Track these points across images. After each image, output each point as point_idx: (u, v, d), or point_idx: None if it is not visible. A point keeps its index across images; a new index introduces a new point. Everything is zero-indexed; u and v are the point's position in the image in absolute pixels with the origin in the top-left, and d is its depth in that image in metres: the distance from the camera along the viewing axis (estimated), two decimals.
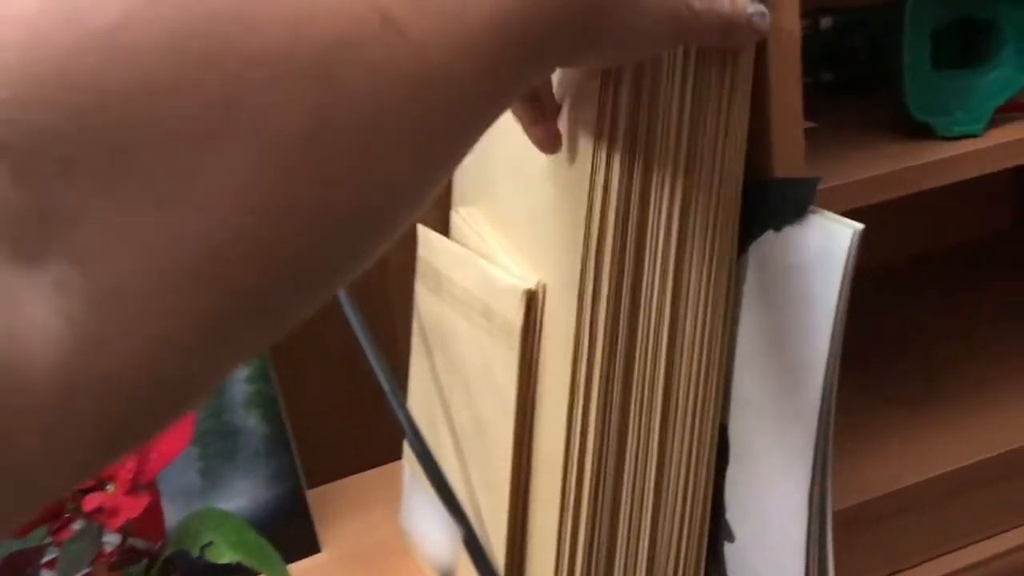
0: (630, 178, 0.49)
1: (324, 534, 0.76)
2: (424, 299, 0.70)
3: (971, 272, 0.93)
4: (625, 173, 0.48)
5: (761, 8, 0.43)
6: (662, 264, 0.50)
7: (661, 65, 0.47)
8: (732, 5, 0.41)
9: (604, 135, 0.48)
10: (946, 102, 0.61)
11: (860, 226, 0.45)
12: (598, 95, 0.47)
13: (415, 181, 0.28)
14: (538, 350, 0.56)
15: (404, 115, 0.26)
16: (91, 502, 0.57)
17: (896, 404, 0.72)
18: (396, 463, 0.84)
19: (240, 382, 0.72)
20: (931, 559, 0.66)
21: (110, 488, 0.60)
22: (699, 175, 0.49)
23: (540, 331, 0.56)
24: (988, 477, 0.65)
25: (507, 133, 0.62)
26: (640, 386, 0.53)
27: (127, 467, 0.58)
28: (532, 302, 0.55)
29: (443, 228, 0.79)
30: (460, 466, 0.65)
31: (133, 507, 0.57)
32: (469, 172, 0.72)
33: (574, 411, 0.52)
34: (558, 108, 0.50)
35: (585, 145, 0.49)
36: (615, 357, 0.51)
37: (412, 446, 0.63)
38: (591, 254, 0.50)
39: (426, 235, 0.69)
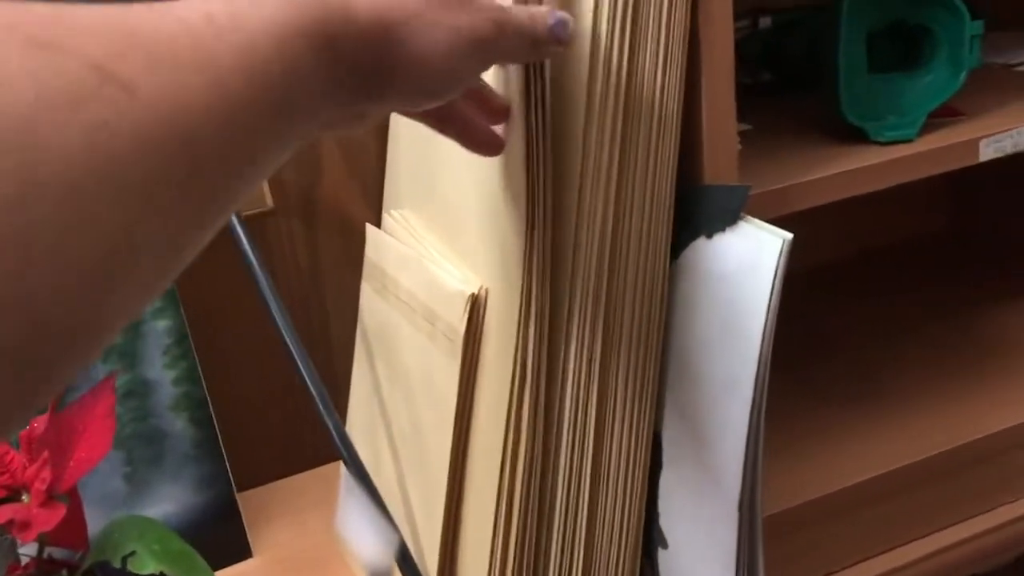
0: (562, 184, 0.48)
1: (255, 539, 0.75)
2: (369, 300, 0.69)
3: (906, 273, 0.94)
4: (556, 178, 0.47)
5: (562, 17, 0.42)
6: (596, 269, 0.50)
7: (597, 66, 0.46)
8: (531, 19, 0.40)
9: (536, 141, 0.47)
10: (880, 106, 0.61)
11: (789, 236, 0.45)
12: (525, 98, 0.46)
13: (161, 234, 0.27)
14: (478, 356, 0.55)
15: (133, 170, 0.25)
16: (2, 514, 0.55)
17: (830, 405, 0.73)
18: (332, 464, 0.83)
19: (167, 384, 0.70)
20: (865, 559, 0.66)
21: (25, 499, 0.58)
22: (632, 179, 0.49)
23: (480, 336, 0.55)
24: (919, 479, 0.65)
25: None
26: (576, 389, 0.52)
27: (41, 477, 0.56)
28: (475, 307, 0.54)
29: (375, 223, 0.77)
30: (397, 472, 0.64)
31: (48, 519, 0.55)
32: (405, 174, 0.71)
33: (510, 416, 0.52)
34: (504, 109, 0.48)
35: (519, 150, 0.48)
36: (550, 360, 0.51)
37: (341, 453, 0.61)
38: (532, 261, 0.49)
39: (375, 235, 0.68)
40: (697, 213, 0.50)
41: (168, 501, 0.71)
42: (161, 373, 0.70)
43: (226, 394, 0.77)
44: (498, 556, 0.54)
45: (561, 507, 0.54)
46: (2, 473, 0.57)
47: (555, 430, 0.52)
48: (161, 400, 0.70)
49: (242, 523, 0.74)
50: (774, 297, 0.45)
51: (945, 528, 0.68)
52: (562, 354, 0.51)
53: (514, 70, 0.47)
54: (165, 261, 0.27)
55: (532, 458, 0.52)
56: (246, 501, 0.75)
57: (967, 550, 0.68)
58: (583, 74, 0.47)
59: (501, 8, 0.39)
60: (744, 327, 0.47)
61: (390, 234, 0.68)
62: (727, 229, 0.48)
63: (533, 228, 0.48)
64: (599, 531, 0.56)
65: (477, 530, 0.56)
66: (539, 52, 0.43)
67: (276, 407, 0.81)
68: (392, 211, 0.70)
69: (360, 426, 0.71)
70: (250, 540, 0.74)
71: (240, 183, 0.29)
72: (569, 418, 0.52)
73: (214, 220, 0.29)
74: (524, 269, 0.50)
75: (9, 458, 0.58)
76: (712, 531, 0.52)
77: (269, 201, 0.76)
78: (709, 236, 0.50)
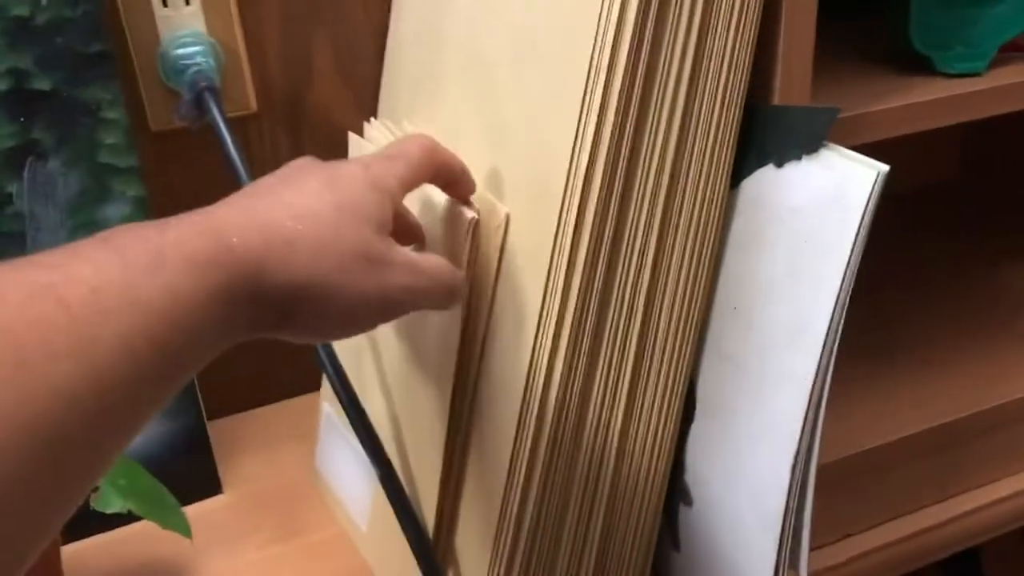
0: (630, 89, 0.41)
1: (226, 473, 0.68)
2: None
3: (923, 219, 0.90)
4: (625, 84, 0.41)
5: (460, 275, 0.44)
6: (653, 189, 0.44)
7: None
8: (441, 280, 0.42)
9: (605, 45, 0.40)
10: (949, 35, 0.56)
11: (885, 168, 0.39)
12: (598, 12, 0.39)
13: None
14: (496, 284, 0.49)
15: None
16: None
17: (847, 357, 0.68)
18: (306, 396, 0.76)
19: None
20: (880, 524, 0.62)
21: None
22: (701, 93, 0.43)
23: (501, 263, 0.48)
24: (934, 444, 0.62)
25: (464, 42, 0.54)
26: (615, 322, 0.46)
27: None
28: (477, 231, 0.48)
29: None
30: (387, 410, 0.58)
31: None
32: (405, 84, 0.63)
33: (539, 343, 0.46)
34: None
35: (580, 57, 0.42)
36: (592, 288, 0.45)
37: (332, 383, 0.55)
38: (579, 173, 0.42)
39: (359, 146, 0.60)
40: (766, 137, 0.44)
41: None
42: None
43: None
44: (513, 505, 0.49)
45: (585, 457, 0.49)
46: None
47: (590, 363, 0.47)
48: None
49: (212, 456, 0.67)
50: (860, 237, 0.40)
51: (961, 494, 0.65)
52: (605, 282, 0.45)
53: None
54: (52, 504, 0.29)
55: (565, 394, 0.47)
56: (216, 431, 0.69)
57: (968, 524, 0.65)
58: None
59: (415, 271, 0.39)
60: (820, 268, 0.41)
61: (372, 144, 0.61)
62: (804, 157, 0.42)
63: (583, 152, 0.42)
64: (624, 485, 0.51)
65: (487, 476, 0.51)
66: (445, 307, 0.45)
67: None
68: (386, 122, 0.63)
69: (344, 361, 0.65)
70: (220, 474, 0.68)
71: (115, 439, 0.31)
72: (605, 355, 0.47)
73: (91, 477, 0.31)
74: (564, 199, 0.44)
75: None
76: (756, 493, 0.47)
77: (253, 104, 0.68)
78: (779, 165, 0.44)
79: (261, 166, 0.67)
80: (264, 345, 0.74)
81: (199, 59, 0.62)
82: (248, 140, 0.69)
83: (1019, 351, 0.68)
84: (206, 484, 0.67)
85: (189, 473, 0.66)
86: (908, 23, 0.55)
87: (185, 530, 0.56)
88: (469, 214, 0.48)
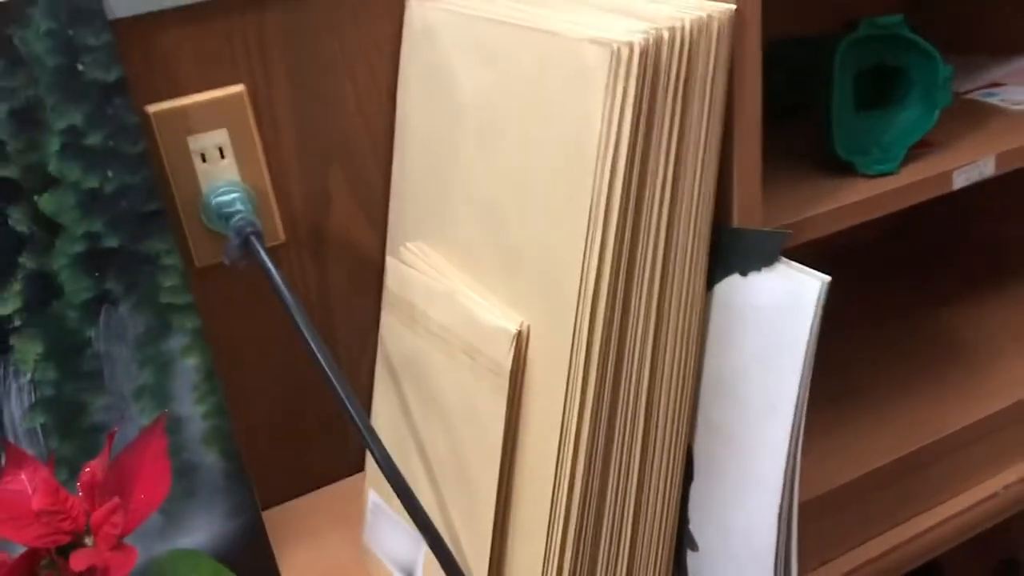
0: (622, 226, 0.52)
1: (283, 559, 0.77)
2: (394, 331, 0.72)
3: (868, 274, 1.02)
4: (617, 221, 0.52)
5: None
6: (646, 304, 0.55)
7: (651, 135, 0.51)
8: None
9: (601, 193, 0.51)
10: (866, 141, 0.68)
11: (827, 279, 0.51)
12: (594, 163, 0.51)
13: None
14: (521, 389, 0.60)
15: None
16: (79, 561, 0.56)
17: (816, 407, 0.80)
18: (345, 481, 0.86)
19: (198, 419, 0.72)
20: (852, 549, 0.74)
21: (88, 542, 0.59)
22: (681, 221, 0.54)
23: (524, 369, 0.59)
24: (899, 472, 0.73)
25: (469, 176, 0.64)
26: (624, 415, 0.57)
27: (112, 522, 0.58)
28: (519, 343, 0.58)
29: (380, 256, 0.81)
30: (434, 493, 0.68)
31: (124, 564, 0.57)
32: (416, 207, 0.74)
33: (564, 438, 0.56)
34: None
35: (578, 197, 0.53)
36: (603, 387, 0.56)
37: (381, 466, 0.64)
38: (586, 296, 0.53)
39: (396, 267, 0.71)
40: (732, 253, 0.56)
41: (200, 531, 0.73)
42: (192, 409, 0.71)
43: (245, 421, 0.79)
44: (553, 562, 0.59)
45: (609, 519, 0.59)
46: (64, 519, 0.59)
47: (606, 448, 0.57)
48: (192, 435, 0.72)
49: (270, 548, 0.76)
50: (813, 335, 0.51)
51: (915, 516, 0.76)
52: (614, 380, 0.56)
53: (584, 138, 0.52)
54: None
55: (588, 480, 0.57)
56: (269, 520, 0.78)
57: (929, 539, 0.76)
58: (639, 137, 0.51)
59: None
60: (782, 361, 0.53)
61: (409, 266, 0.71)
62: (763, 269, 0.54)
63: (589, 272, 0.53)
64: (641, 538, 0.61)
65: (527, 545, 0.61)
66: None
67: (289, 430, 0.84)
68: (407, 243, 0.74)
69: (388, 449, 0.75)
70: (278, 562, 0.77)
71: None
72: (618, 441, 0.58)
73: None
74: (578, 309, 0.54)
75: (69, 504, 0.59)
76: (748, 537, 0.58)
77: (281, 235, 0.78)
78: (744, 274, 0.55)
79: (294, 286, 0.79)
80: (304, 436, 0.85)
81: (238, 204, 0.72)
82: (279, 266, 0.78)
83: (955, 388, 0.80)
84: (267, 572, 0.76)
85: (250, 565, 0.74)
86: (831, 134, 0.67)
87: None
88: (512, 328, 0.58)
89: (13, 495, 0.58)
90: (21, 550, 0.58)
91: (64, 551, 0.59)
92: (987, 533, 0.84)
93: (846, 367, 0.85)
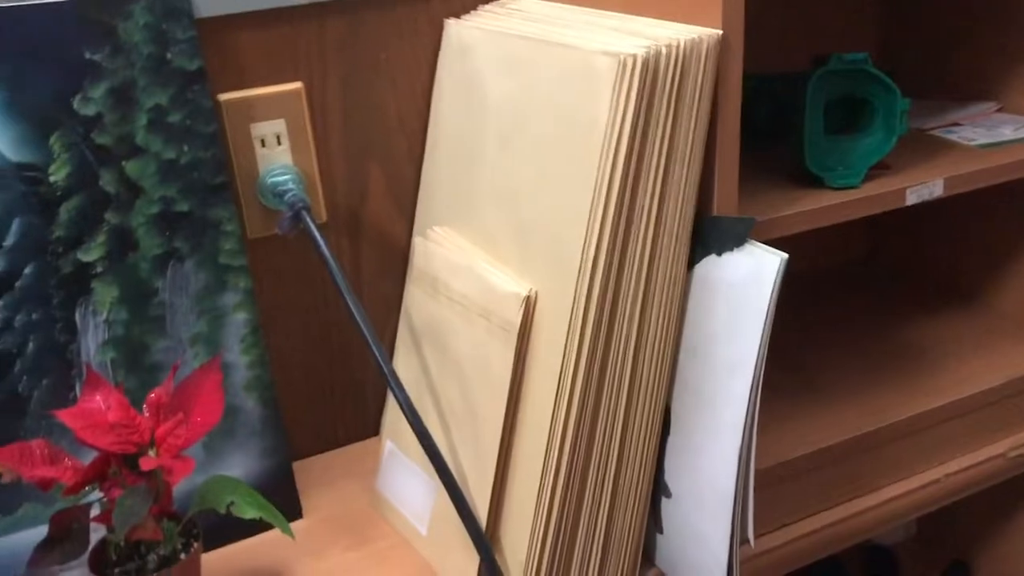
0: (619, 209, 0.63)
1: (306, 502, 0.87)
2: (418, 301, 0.83)
3: (832, 291, 1.14)
4: (615, 205, 0.63)
5: None
6: (636, 277, 0.66)
7: (647, 133, 0.62)
8: None
9: (603, 179, 0.62)
10: (833, 160, 0.79)
11: (785, 256, 0.61)
12: (599, 153, 0.62)
13: None
14: (527, 345, 0.70)
15: None
16: (148, 463, 0.67)
17: (774, 392, 0.90)
18: (363, 442, 0.96)
19: (242, 368, 0.82)
20: (807, 516, 0.84)
21: (152, 454, 0.69)
22: (669, 208, 0.65)
23: (530, 329, 0.70)
24: (843, 454, 0.84)
25: (491, 170, 0.76)
26: (613, 372, 0.67)
27: (176, 434, 0.68)
28: (528, 305, 0.69)
29: (406, 242, 0.92)
30: (446, 438, 0.78)
31: (183, 469, 0.67)
32: (442, 197, 0.85)
33: (560, 391, 0.67)
34: None
35: (584, 183, 0.64)
36: (596, 346, 0.66)
37: (403, 407, 0.74)
38: (586, 267, 0.64)
39: (424, 246, 0.82)
40: (710, 236, 0.67)
41: (235, 468, 0.83)
42: (238, 358, 0.82)
43: (279, 378, 0.89)
44: (545, 503, 0.69)
45: (595, 464, 0.70)
46: (133, 432, 0.69)
47: (595, 401, 0.68)
48: (237, 381, 0.82)
49: (296, 489, 0.86)
50: (772, 301, 0.62)
51: (864, 495, 0.86)
52: (605, 343, 0.67)
53: (591, 133, 0.63)
54: None
55: (579, 426, 0.67)
56: (296, 469, 0.88)
57: (876, 516, 0.86)
58: (638, 133, 0.63)
59: None
60: (747, 324, 0.63)
61: (436, 245, 0.82)
62: (735, 249, 0.65)
63: (589, 247, 0.64)
64: (622, 484, 0.71)
65: (524, 483, 0.71)
66: None
67: (317, 391, 0.94)
68: (434, 227, 0.85)
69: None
70: (302, 503, 0.87)
71: None
72: (607, 394, 0.68)
73: None
74: (578, 278, 0.65)
75: (138, 421, 0.69)
76: (714, 481, 0.68)
77: (324, 216, 0.89)
78: (719, 254, 0.66)
79: None
80: (329, 398, 0.97)
81: (291, 184, 0.84)
82: None
83: (905, 385, 0.91)
84: (291, 509, 0.86)
85: (278, 502, 0.84)
86: (804, 153, 0.78)
87: (291, 533, 0.75)
88: (522, 292, 0.69)
89: (92, 409, 0.69)
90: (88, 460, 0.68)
91: (130, 460, 0.69)
92: (938, 534, 0.94)
93: (808, 364, 0.96)
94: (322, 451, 0.95)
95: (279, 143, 0.85)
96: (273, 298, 0.89)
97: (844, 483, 0.84)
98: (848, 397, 0.89)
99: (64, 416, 0.67)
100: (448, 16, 0.88)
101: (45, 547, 0.69)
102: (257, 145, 0.85)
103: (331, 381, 0.95)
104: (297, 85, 0.85)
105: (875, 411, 0.87)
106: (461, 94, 0.83)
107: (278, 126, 0.85)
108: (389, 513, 0.85)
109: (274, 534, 0.84)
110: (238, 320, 0.82)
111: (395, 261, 0.94)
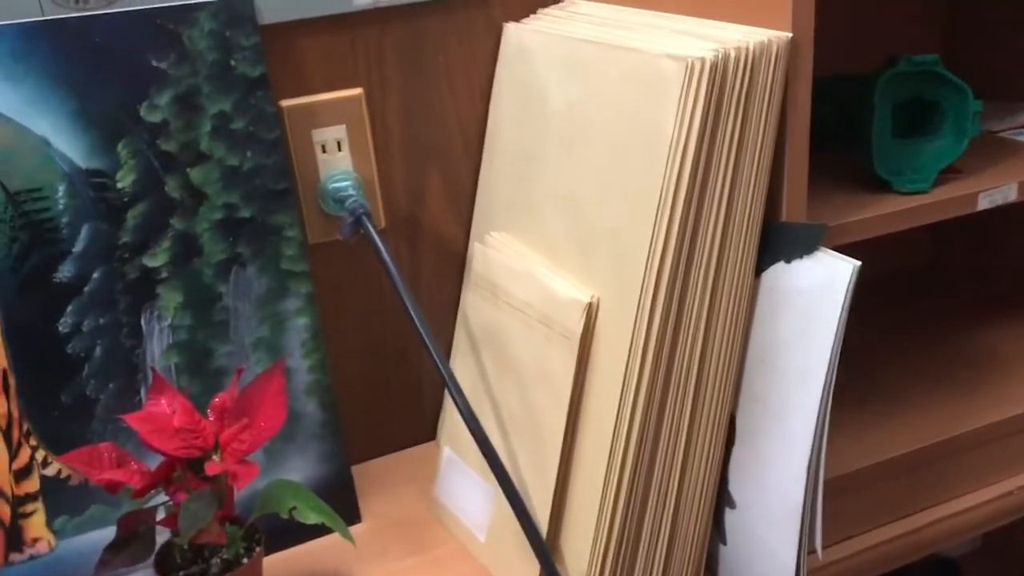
0: (686, 215, 0.63)
1: (364, 506, 0.88)
2: (477, 307, 0.83)
3: (897, 298, 1.11)
4: (682, 211, 0.62)
5: None
6: (703, 285, 0.65)
7: (715, 138, 0.61)
8: None
9: (670, 185, 0.62)
10: (902, 164, 0.77)
11: (858, 263, 0.60)
12: (665, 159, 0.61)
13: None
14: (589, 352, 0.69)
15: None
16: (213, 468, 0.67)
17: (841, 401, 0.88)
18: (420, 447, 0.96)
19: (303, 372, 0.82)
20: (875, 528, 0.82)
21: (216, 458, 0.70)
22: (737, 214, 0.64)
23: (592, 336, 0.69)
24: (919, 462, 0.82)
25: (553, 175, 0.75)
26: (678, 381, 0.67)
27: (240, 439, 0.69)
28: (590, 312, 0.68)
29: (463, 247, 0.92)
30: (504, 443, 0.78)
31: (248, 474, 0.67)
32: (499, 204, 0.85)
33: (623, 400, 0.66)
34: None
35: (650, 188, 0.63)
36: (660, 355, 0.65)
37: (463, 413, 0.73)
38: (651, 274, 0.63)
39: (483, 252, 0.81)
40: (779, 243, 0.65)
41: (296, 472, 0.84)
42: (299, 362, 0.82)
43: (337, 382, 0.90)
44: (607, 512, 0.68)
45: (658, 473, 0.69)
46: (197, 437, 0.70)
47: (659, 411, 0.67)
48: (297, 385, 0.83)
49: (355, 493, 0.87)
50: (844, 309, 0.61)
51: (933, 506, 0.84)
52: (670, 352, 0.66)
53: (657, 139, 0.62)
54: None
55: (643, 435, 0.67)
56: (354, 473, 0.88)
57: (942, 529, 0.84)
58: (706, 138, 0.62)
59: None
60: (818, 333, 0.62)
61: (495, 251, 0.82)
62: (804, 256, 0.63)
63: (655, 255, 0.63)
64: (686, 494, 0.70)
65: (586, 491, 0.70)
66: None
67: (373, 396, 0.94)
68: (492, 232, 0.84)
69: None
70: (360, 507, 0.87)
71: None
72: (671, 402, 0.67)
73: None
74: (643, 285, 0.64)
75: (202, 426, 0.70)
76: (781, 491, 0.67)
77: (383, 221, 0.89)
78: (788, 261, 0.65)
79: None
80: (386, 403, 0.97)
81: (351, 190, 0.84)
82: None
83: (976, 394, 0.89)
84: (350, 513, 0.86)
85: (336, 507, 0.84)
86: (872, 156, 0.77)
87: (352, 538, 0.75)
88: (584, 299, 0.68)
89: (158, 414, 0.70)
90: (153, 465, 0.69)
91: (194, 464, 0.70)
92: (1005, 545, 0.91)
93: (872, 372, 0.94)
94: (378, 455, 0.95)
95: (339, 149, 0.86)
96: (331, 303, 0.89)
97: (912, 494, 0.82)
98: (915, 406, 0.87)
99: (131, 420, 0.68)
100: (507, 20, 0.87)
101: (113, 549, 0.70)
102: (318, 151, 0.85)
103: (388, 386, 0.95)
104: (357, 91, 0.85)
105: (943, 421, 0.84)
106: (520, 97, 0.83)
107: (339, 132, 0.85)
108: (447, 519, 0.85)
109: (333, 539, 0.84)
110: (299, 325, 0.82)
111: (453, 266, 0.94)
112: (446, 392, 0.97)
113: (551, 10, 0.87)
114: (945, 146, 0.78)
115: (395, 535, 0.85)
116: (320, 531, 0.83)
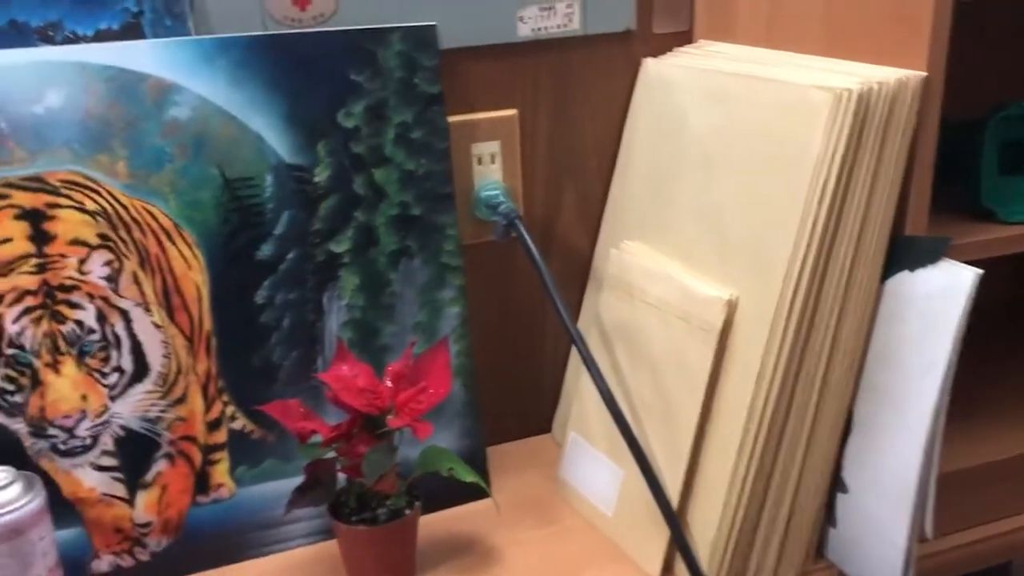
0: (826, 229, 0.72)
1: (493, 484, 0.97)
2: (611, 305, 0.92)
3: (995, 320, 1.19)
4: (823, 226, 0.72)
5: None
6: (836, 290, 0.74)
7: (856, 161, 0.71)
8: None
9: (812, 203, 0.71)
10: (1008, 197, 0.86)
11: (980, 271, 0.69)
12: (809, 179, 0.71)
13: None
14: (725, 346, 0.79)
15: None
16: (396, 423, 0.77)
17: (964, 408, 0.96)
18: (536, 438, 1.06)
19: (452, 355, 0.92)
20: (985, 523, 0.89)
21: (391, 416, 0.80)
22: (870, 229, 0.73)
23: (730, 332, 0.78)
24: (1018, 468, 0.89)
25: (693, 191, 0.85)
26: (808, 375, 0.75)
27: (417, 399, 0.79)
28: (729, 308, 0.78)
29: (587, 257, 1.02)
30: (637, 427, 0.87)
31: (424, 431, 0.77)
32: (632, 214, 0.95)
33: (758, 390, 0.75)
34: None
35: (793, 205, 0.73)
36: (795, 353, 0.74)
37: (602, 392, 0.82)
38: (790, 279, 0.73)
39: (619, 257, 0.91)
40: (905, 254, 0.75)
41: (442, 444, 0.93)
42: (450, 346, 0.93)
43: (485, 368, 1.00)
44: (736, 488, 0.77)
45: (783, 456, 0.77)
46: (376, 398, 0.80)
47: (790, 402, 0.76)
48: None
49: (488, 470, 0.96)
50: (965, 311, 0.69)
51: None
52: (803, 349, 0.75)
53: (803, 161, 0.72)
54: None
55: (773, 421, 0.75)
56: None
57: None
58: (848, 163, 0.71)
59: None
60: (941, 331, 0.71)
61: (631, 256, 0.92)
62: (928, 265, 0.73)
63: (795, 262, 0.73)
64: (805, 476, 0.79)
65: (717, 469, 0.79)
66: None
67: (503, 386, 1.04)
68: (625, 241, 0.94)
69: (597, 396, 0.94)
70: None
71: None
72: (800, 394, 0.76)
73: None
74: (783, 288, 0.74)
75: (381, 388, 0.80)
76: (897, 474, 0.75)
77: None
78: (912, 270, 0.74)
79: (524, 275, 1.00)
80: (513, 394, 1.06)
81: (502, 198, 0.94)
82: (516, 254, 1.00)
83: None
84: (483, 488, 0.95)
85: None
86: (979, 189, 0.86)
87: (494, 501, 0.84)
88: (724, 296, 0.78)
89: (344, 375, 0.80)
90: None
91: (370, 422, 0.79)
92: None
93: (980, 384, 1.02)
94: (499, 442, 1.05)
95: (492, 162, 0.97)
96: (476, 298, 0.99)
97: (1018, 497, 0.90)
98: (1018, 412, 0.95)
99: (326, 378, 0.79)
100: (645, 56, 0.98)
101: (300, 491, 0.80)
102: (474, 162, 0.96)
103: (513, 378, 1.05)
104: (513, 112, 0.96)
105: None
106: (657, 124, 0.93)
107: (493, 147, 0.96)
108: (572, 497, 0.94)
109: (468, 508, 0.93)
110: (452, 313, 0.92)
111: (577, 271, 1.04)
112: (564, 388, 1.06)
113: (686, 49, 0.98)
114: None
115: (525, 509, 0.94)
116: (458, 500, 0.93)
